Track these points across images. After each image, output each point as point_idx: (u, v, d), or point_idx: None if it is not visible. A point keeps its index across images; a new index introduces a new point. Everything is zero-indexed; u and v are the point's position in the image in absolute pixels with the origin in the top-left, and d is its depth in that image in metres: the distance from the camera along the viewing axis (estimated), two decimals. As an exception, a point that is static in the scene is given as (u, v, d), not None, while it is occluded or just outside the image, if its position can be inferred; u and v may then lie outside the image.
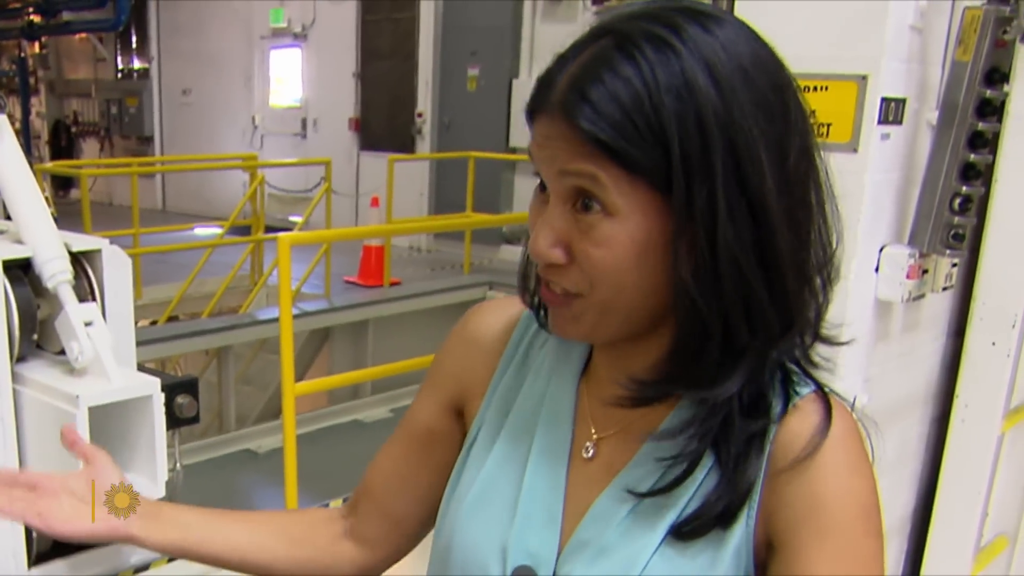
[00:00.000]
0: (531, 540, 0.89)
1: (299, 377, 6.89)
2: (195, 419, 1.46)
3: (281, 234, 3.56)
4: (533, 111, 0.82)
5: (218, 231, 8.56)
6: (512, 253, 8.97)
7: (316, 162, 9.10)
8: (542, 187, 0.84)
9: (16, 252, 1.21)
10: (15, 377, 1.22)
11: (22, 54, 15.07)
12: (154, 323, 7.30)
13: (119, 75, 14.52)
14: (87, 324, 1.21)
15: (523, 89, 9.06)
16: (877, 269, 2.37)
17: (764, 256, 0.78)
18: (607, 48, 0.77)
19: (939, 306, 2.83)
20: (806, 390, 0.85)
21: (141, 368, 1.42)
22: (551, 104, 0.79)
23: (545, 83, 0.82)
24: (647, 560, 0.83)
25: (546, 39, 8.97)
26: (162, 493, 1.25)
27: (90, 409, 1.16)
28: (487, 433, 0.97)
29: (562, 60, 0.81)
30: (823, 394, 0.85)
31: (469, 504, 0.93)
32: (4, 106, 1.19)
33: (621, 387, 0.86)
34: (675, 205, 0.76)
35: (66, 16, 13.58)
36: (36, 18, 13.77)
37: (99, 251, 1.30)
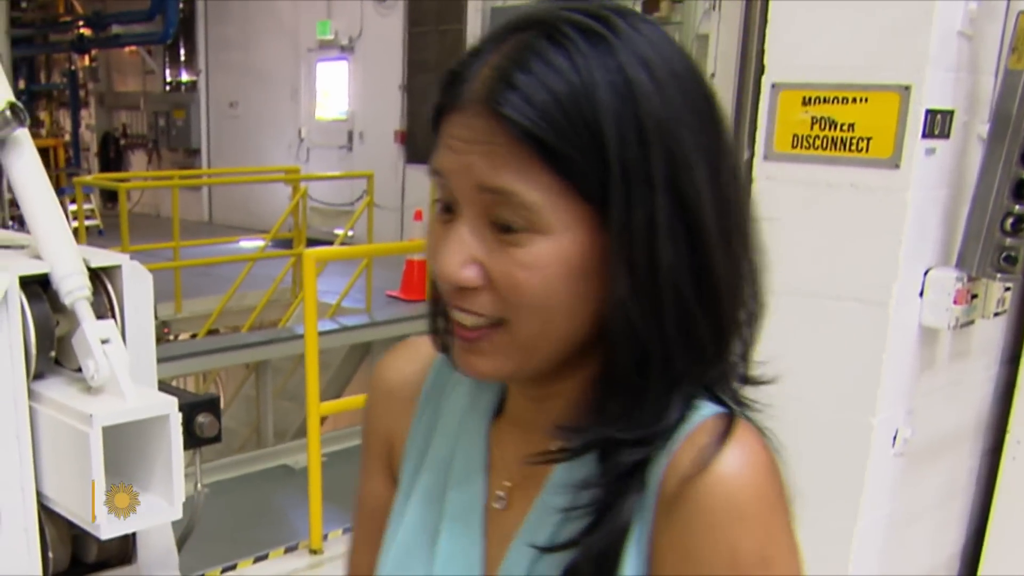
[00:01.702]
0: None
1: (338, 392, 6.95)
2: (217, 439, 1.45)
3: (308, 249, 3.58)
4: (441, 111, 0.73)
5: (262, 244, 8.65)
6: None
7: (358, 175, 9.16)
8: (446, 208, 0.74)
9: (34, 268, 1.22)
10: (32, 394, 1.23)
11: (72, 67, 15.40)
12: (194, 336, 7.37)
13: (167, 88, 14.77)
14: (104, 342, 1.21)
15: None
16: (922, 294, 2.31)
17: (700, 277, 0.72)
18: (533, 38, 0.69)
19: (991, 333, 2.76)
20: (707, 411, 0.74)
21: (166, 385, 1.42)
22: (468, 99, 0.71)
23: (456, 77, 0.72)
24: None
25: (593, 51, 8.95)
26: (179, 515, 1.25)
27: (105, 429, 1.15)
28: (403, 492, 0.90)
29: (477, 52, 0.72)
30: (728, 417, 0.74)
31: (390, 569, 0.87)
32: (25, 119, 1.20)
33: (549, 436, 0.76)
34: (613, 219, 0.69)
35: (116, 29, 13.87)
36: (86, 31, 14.08)
37: (119, 267, 1.30)
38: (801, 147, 2.23)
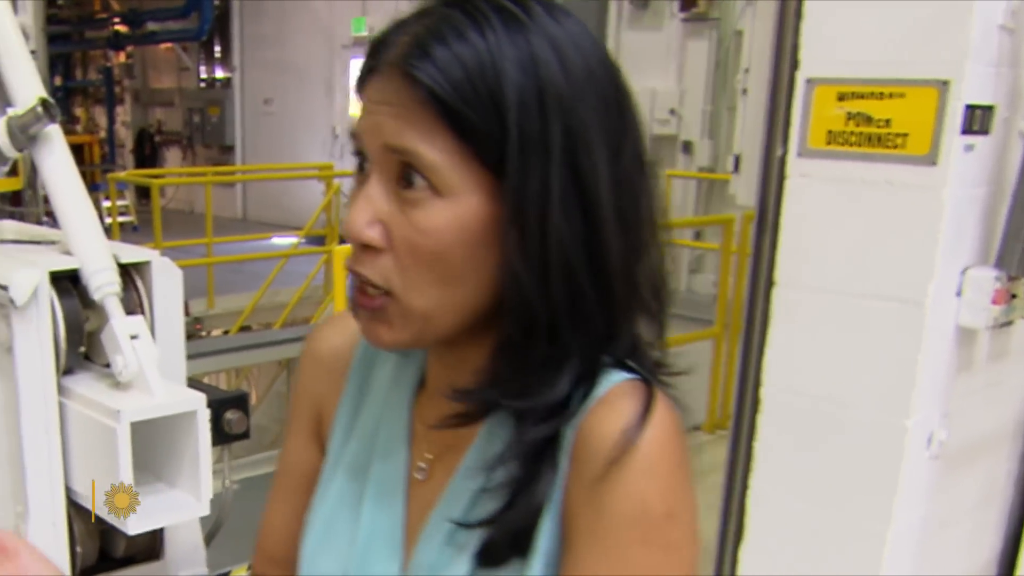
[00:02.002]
0: (374, 568, 0.86)
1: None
2: (245, 435, 1.46)
3: (339, 247, 3.61)
4: (365, 75, 0.78)
5: (295, 241, 8.71)
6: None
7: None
8: (360, 168, 0.79)
9: (64, 263, 1.23)
10: (61, 390, 1.24)
11: (108, 64, 15.58)
12: (226, 332, 7.44)
13: (202, 84, 14.91)
14: (133, 337, 1.22)
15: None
16: (959, 293, 2.28)
17: (593, 254, 0.75)
18: (455, 15, 0.74)
19: (1031, 332, 2.72)
20: (615, 378, 0.78)
21: (195, 382, 1.43)
22: (385, 62, 0.76)
23: (381, 44, 0.77)
24: None
25: (632, 47, 8.94)
26: (207, 511, 1.26)
27: (133, 424, 1.17)
28: (332, 459, 0.93)
29: (402, 23, 0.77)
30: (637, 383, 0.78)
31: (314, 542, 0.90)
32: (56, 115, 1.22)
33: (446, 401, 0.82)
34: (508, 186, 0.73)
35: (151, 26, 14.02)
36: (122, 28, 14.24)
37: (148, 263, 1.31)
38: (836, 144, 2.21)
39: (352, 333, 0.94)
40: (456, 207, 0.74)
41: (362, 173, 0.79)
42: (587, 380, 0.78)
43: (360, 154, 0.79)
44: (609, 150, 0.76)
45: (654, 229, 0.81)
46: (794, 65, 2.25)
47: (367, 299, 0.79)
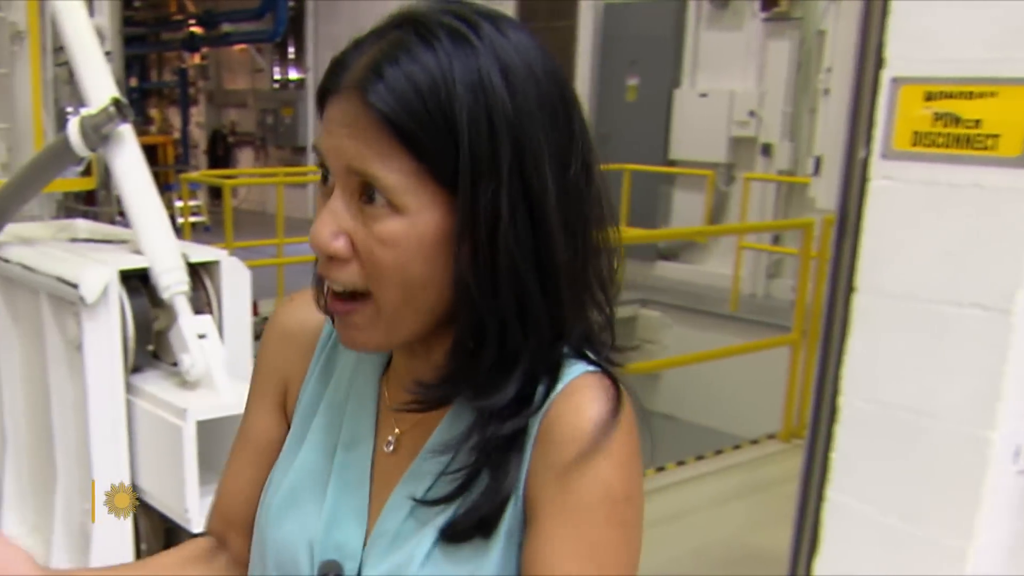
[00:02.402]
0: (338, 534, 0.91)
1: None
2: (309, 435, 1.47)
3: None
4: (324, 94, 0.83)
5: (365, 242, 8.77)
6: (668, 269, 8.89)
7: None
8: (324, 179, 0.84)
9: (134, 262, 1.26)
10: (129, 388, 1.27)
11: (183, 65, 15.92)
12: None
13: (276, 86, 15.13)
14: (200, 336, 1.24)
15: (685, 100, 8.98)
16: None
17: (541, 261, 0.81)
18: (406, 35, 0.79)
19: None
20: (577, 370, 0.85)
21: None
22: (344, 85, 0.80)
23: (339, 65, 0.82)
24: (421, 560, 0.85)
25: (711, 48, 8.87)
26: (270, 510, 1.27)
27: (199, 423, 1.19)
28: (297, 430, 0.98)
29: (359, 44, 0.83)
30: (599, 376, 0.85)
31: (280, 502, 0.94)
32: (129, 115, 1.24)
33: (408, 392, 0.88)
34: (460, 203, 0.79)
35: (226, 28, 14.28)
36: (197, 30, 14.53)
37: (218, 263, 1.33)
38: (922, 145, 2.16)
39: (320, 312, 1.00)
40: (414, 223, 0.79)
41: (325, 185, 0.84)
42: (548, 373, 0.85)
43: (323, 167, 0.83)
44: (557, 162, 0.81)
45: (601, 231, 0.87)
46: (879, 64, 2.21)
47: (339, 303, 0.85)
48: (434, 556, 0.84)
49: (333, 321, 0.91)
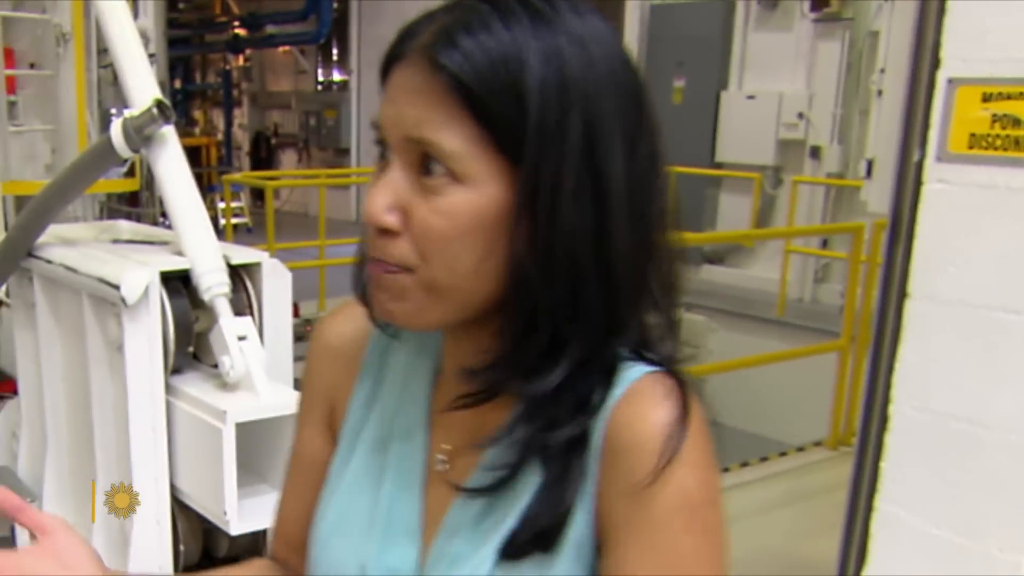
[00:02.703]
0: (391, 557, 0.89)
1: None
2: (349, 439, 1.47)
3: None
4: (389, 63, 0.81)
5: (407, 245, 8.83)
6: (714, 273, 8.84)
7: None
8: (382, 156, 0.82)
9: (175, 264, 1.26)
10: (169, 389, 1.27)
11: (227, 67, 16.10)
12: (338, 336, 7.57)
13: (319, 87, 15.26)
14: (241, 339, 1.24)
15: (732, 102, 8.92)
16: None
17: (601, 246, 0.78)
18: (482, 7, 0.78)
19: None
20: (636, 372, 0.82)
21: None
22: (412, 50, 0.79)
23: (408, 33, 0.81)
24: None
25: (759, 49, 8.81)
26: (309, 514, 1.28)
27: (238, 425, 1.19)
28: (345, 448, 0.96)
29: (431, 14, 0.80)
30: (663, 376, 0.81)
31: (329, 525, 0.92)
32: (171, 117, 1.25)
33: (458, 385, 0.85)
34: (523, 174, 0.76)
35: (270, 29, 14.43)
36: (241, 32, 14.69)
37: (259, 264, 1.34)
38: (979, 147, 2.12)
39: (362, 322, 0.96)
40: (474, 194, 0.77)
41: (383, 161, 0.82)
42: (602, 372, 0.81)
43: (382, 143, 0.82)
44: (626, 146, 0.79)
45: (666, 228, 0.84)
46: (935, 64, 2.17)
47: (384, 278, 0.81)
48: (496, 573, 0.81)
49: (367, 300, 0.88)
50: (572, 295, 0.78)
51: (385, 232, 0.79)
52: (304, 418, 1.04)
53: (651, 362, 0.83)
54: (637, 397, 0.80)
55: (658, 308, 0.85)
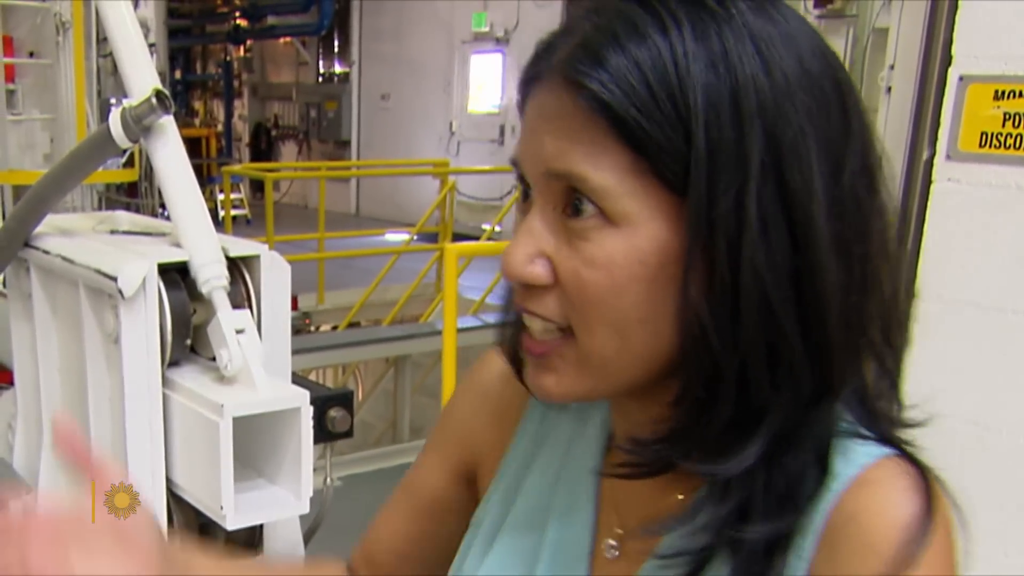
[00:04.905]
0: None
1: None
2: (348, 434, 1.47)
3: (449, 244, 3.65)
4: (526, 86, 0.70)
5: (408, 237, 8.84)
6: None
7: (508, 170, 9.20)
8: (524, 196, 0.71)
9: (173, 255, 1.26)
10: (166, 382, 1.27)
11: (228, 58, 16.09)
12: (335, 328, 7.59)
13: (320, 79, 15.25)
14: (239, 332, 1.24)
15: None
16: None
17: (803, 292, 0.63)
18: (632, 9, 0.64)
19: None
20: (869, 453, 0.67)
21: (300, 378, 1.45)
22: (550, 69, 0.67)
23: (546, 48, 0.69)
24: None
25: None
26: (306, 509, 1.27)
27: (235, 419, 1.18)
28: (491, 520, 0.84)
29: (571, 24, 0.68)
30: (902, 462, 0.67)
31: None
32: (170, 107, 1.24)
33: (622, 451, 0.71)
34: (691, 207, 0.62)
35: (271, 20, 14.43)
36: (242, 22, 14.69)
37: (257, 257, 1.33)
38: (990, 146, 2.11)
39: None
40: (631, 236, 0.64)
41: (525, 202, 0.71)
42: (817, 451, 0.67)
43: (523, 180, 0.71)
44: (828, 163, 0.64)
45: (887, 258, 0.69)
46: (946, 61, 2.17)
47: (534, 343, 0.70)
48: None
49: (518, 368, 0.78)
50: (768, 350, 0.64)
51: (531, 287, 0.68)
52: (431, 449, 0.95)
53: (881, 438, 0.69)
54: (873, 487, 0.65)
55: (878, 358, 0.70)
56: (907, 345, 0.72)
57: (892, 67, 3.61)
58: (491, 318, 6.47)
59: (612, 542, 0.77)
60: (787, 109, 0.63)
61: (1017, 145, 2.07)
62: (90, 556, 0.68)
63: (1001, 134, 2.09)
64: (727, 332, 0.63)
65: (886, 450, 0.67)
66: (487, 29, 11.66)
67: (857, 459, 0.66)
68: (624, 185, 0.63)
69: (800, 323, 0.64)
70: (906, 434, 0.71)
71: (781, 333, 0.64)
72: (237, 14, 15.14)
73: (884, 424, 0.70)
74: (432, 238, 8.69)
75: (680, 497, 0.72)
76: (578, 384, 0.69)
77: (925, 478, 0.66)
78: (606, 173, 0.64)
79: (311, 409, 1.24)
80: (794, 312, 0.63)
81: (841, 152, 0.65)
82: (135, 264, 1.20)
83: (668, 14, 0.63)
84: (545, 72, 0.68)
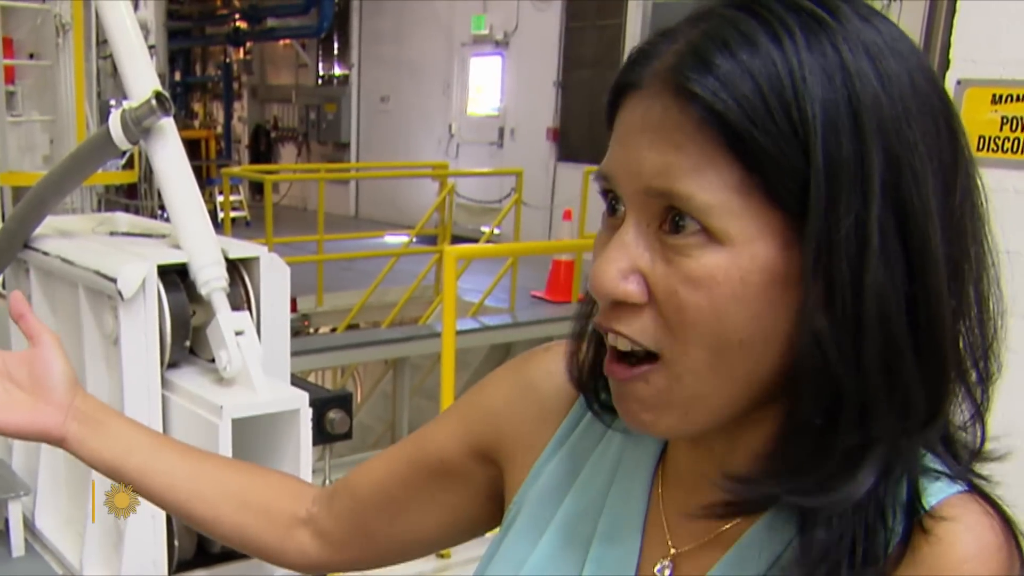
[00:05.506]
0: None
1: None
2: (347, 435, 1.48)
3: (448, 247, 3.65)
4: (618, 95, 0.66)
5: (407, 240, 8.85)
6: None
7: (507, 172, 9.25)
8: (611, 210, 0.67)
9: (173, 257, 1.26)
10: (165, 383, 1.27)
11: (227, 60, 16.10)
12: (334, 330, 7.59)
13: (319, 81, 15.25)
14: (238, 333, 1.24)
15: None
16: (1124, 313, 2.16)
17: (917, 317, 0.61)
18: (742, 17, 0.61)
19: None
20: (941, 490, 0.64)
21: (299, 380, 1.45)
22: (651, 77, 0.63)
23: (643, 55, 0.65)
24: None
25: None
26: (305, 512, 1.28)
27: (234, 420, 1.19)
28: (530, 522, 0.80)
29: (671, 30, 0.64)
30: (981, 502, 0.63)
31: None
32: (169, 109, 1.24)
33: (713, 486, 0.66)
34: (812, 228, 0.59)
35: (271, 22, 14.44)
36: (242, 24, 14.70)
37: (257, 259, 1.33)
38: (988, 150, 2.12)
39: None
40: (737, 257, 0.61)
41: (613, 216, 0.66)
42: (904, 485, 0.64)
43: (610, 194, 0.67)
44: (940, 185, 0.62)
45: (987, 283, 0.66)
46: (944, 65, 2.17)
47: (621, 367, 0.66)
48: None
49: (589, 392, 0.75)
50: (886, 377, 0.61)
51: (622, 304, 0.64)
52: (453, 416, 0.92)
53: (956, 474, 0.65)
54: (949, 527, 0.62)
55: (966, 385, 0.66)
56: (998, 374, 0.68)
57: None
58: (490, 320, 6.48)
59: (664, 561, 0.74)
60: (904, 127, 0.60)
61: (1015, 149, 2.07)
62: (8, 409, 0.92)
63: (999, 138, 2.09)
64: (850, 357, 0.61)
65: (956, 486, 0.64)
66: (487, 31, 11.66)
67: (932, 494, 0.63)
68: (732, 203, 0.60)
69: (914, 347, 0.61)
70: (983, 468, 0.68)
71: (899, 357, 0.61)
72: (237, 16, 15.14)
73: (964, 457, 0.68)
74: (431, 240, 8.70)
75: (737, 521, 0.69)
76: (669, 414, 0.66)
77: (999, 516, 0.64)
78: (713, 191, 0.60)
79: (310, 411, 1.25)
80: (909, 335, 0.61)
81: (952, 173, 0.63)
82: (134, 266, 1.20)
83: (779, 22, 0.60)
84: (644, 80, 0.63)
